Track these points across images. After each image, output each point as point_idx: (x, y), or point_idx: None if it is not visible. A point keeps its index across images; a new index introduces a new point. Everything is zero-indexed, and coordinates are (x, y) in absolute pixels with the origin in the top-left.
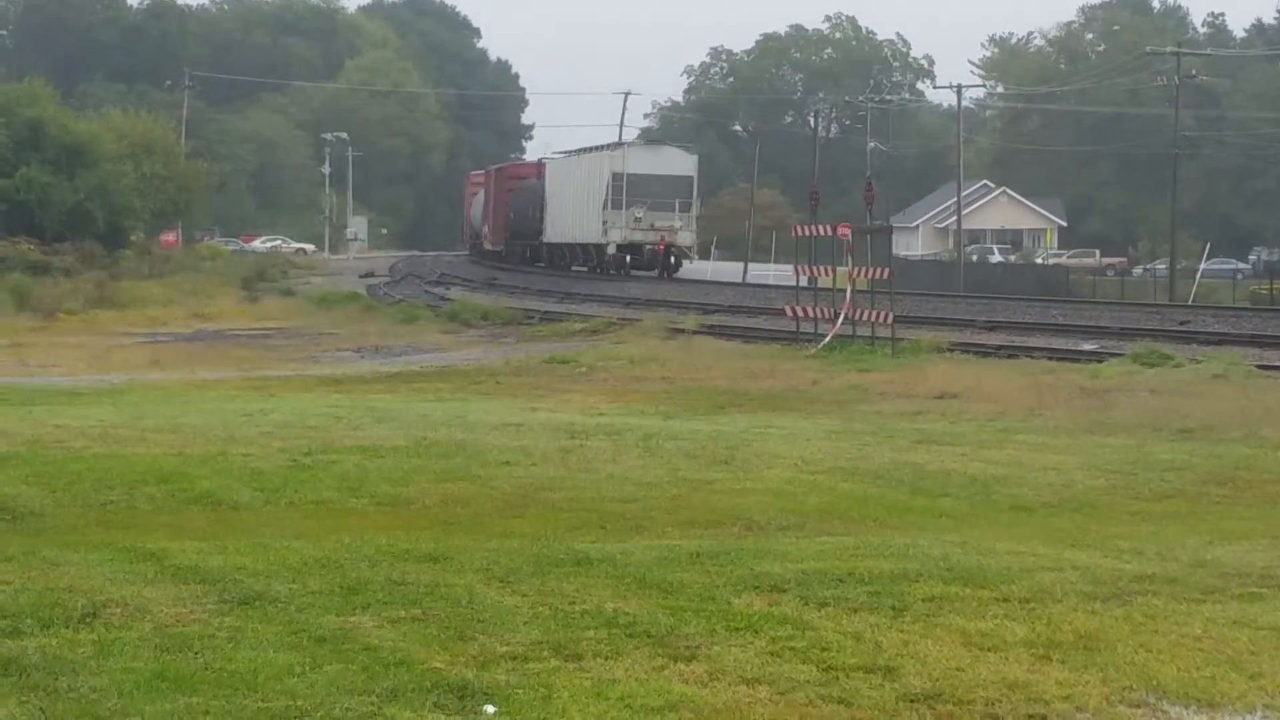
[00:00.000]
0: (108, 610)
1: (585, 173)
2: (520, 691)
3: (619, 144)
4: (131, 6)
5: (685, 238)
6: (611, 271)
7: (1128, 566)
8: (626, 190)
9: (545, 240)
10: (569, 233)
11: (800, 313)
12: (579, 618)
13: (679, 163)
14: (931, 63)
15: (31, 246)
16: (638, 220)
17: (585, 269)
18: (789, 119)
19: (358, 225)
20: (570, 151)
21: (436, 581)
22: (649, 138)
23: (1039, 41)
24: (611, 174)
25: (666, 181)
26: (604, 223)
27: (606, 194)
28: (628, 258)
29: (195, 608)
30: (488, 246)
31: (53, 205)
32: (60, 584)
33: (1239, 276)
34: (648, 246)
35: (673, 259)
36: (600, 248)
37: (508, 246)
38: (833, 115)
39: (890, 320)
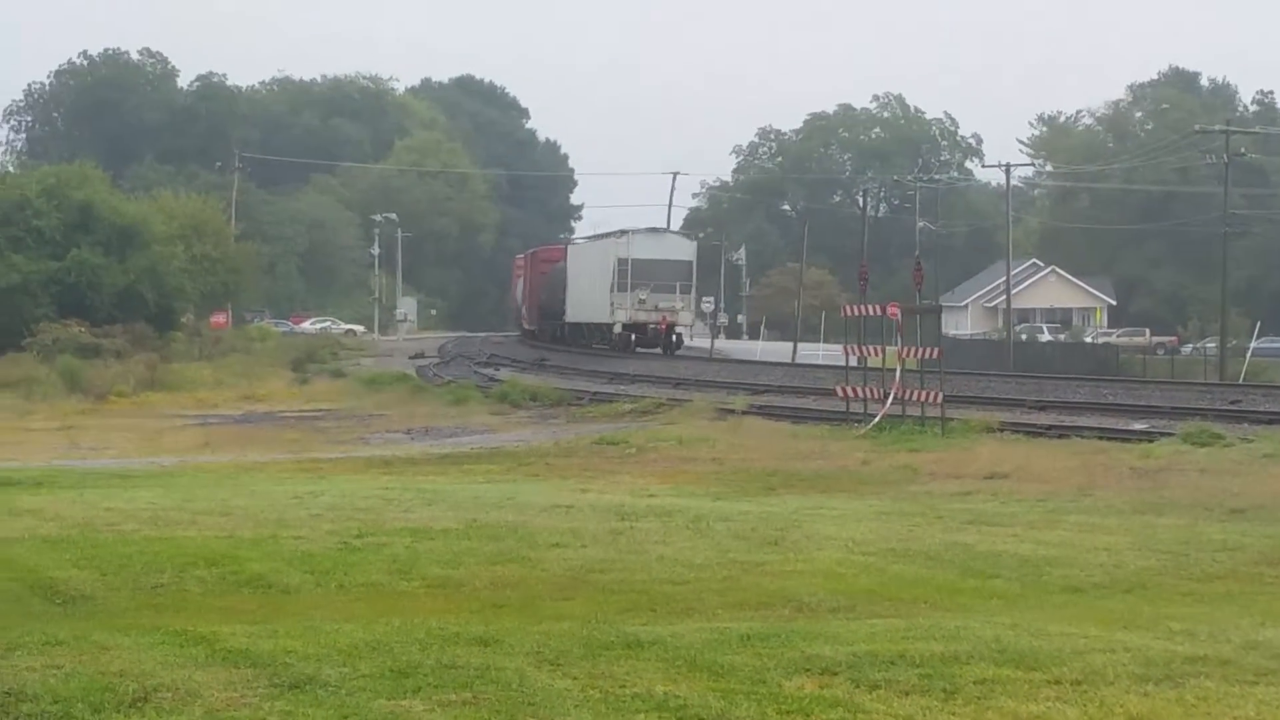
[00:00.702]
0: (159, 695)
1: (597, 257)
2: None
3: (624, 231)
4: (181, 88)
5: (685, 317)
6: (619, 349)
7: (1180, 648)
8: (631, 274)
9: (567, 320)
10: (585, 313)
11: (850, 393)
12: (630, 701)
13: (680, 248)
14: (980, 141)
15: (82, 329)
16: (641, 302)
17: (605, 346)
18: (837, 198)
19: (407, 306)
20: (589, 237)
21: (487, 665)
22: (653, 225)
23: (1087, 120)
24: (617, 259)
25: (668, 266)
26: (611, 304)
27: (613, 277)
28: (632, 336)
29: (246, 692)
30: (526, 326)
31: (103, 287)
32: (111, 668)
33: None
34: (651, 326)
35: (674, 337)
36: (609, 327)
37: (540, 326)
38: (881, 194)
39: (940, 400)
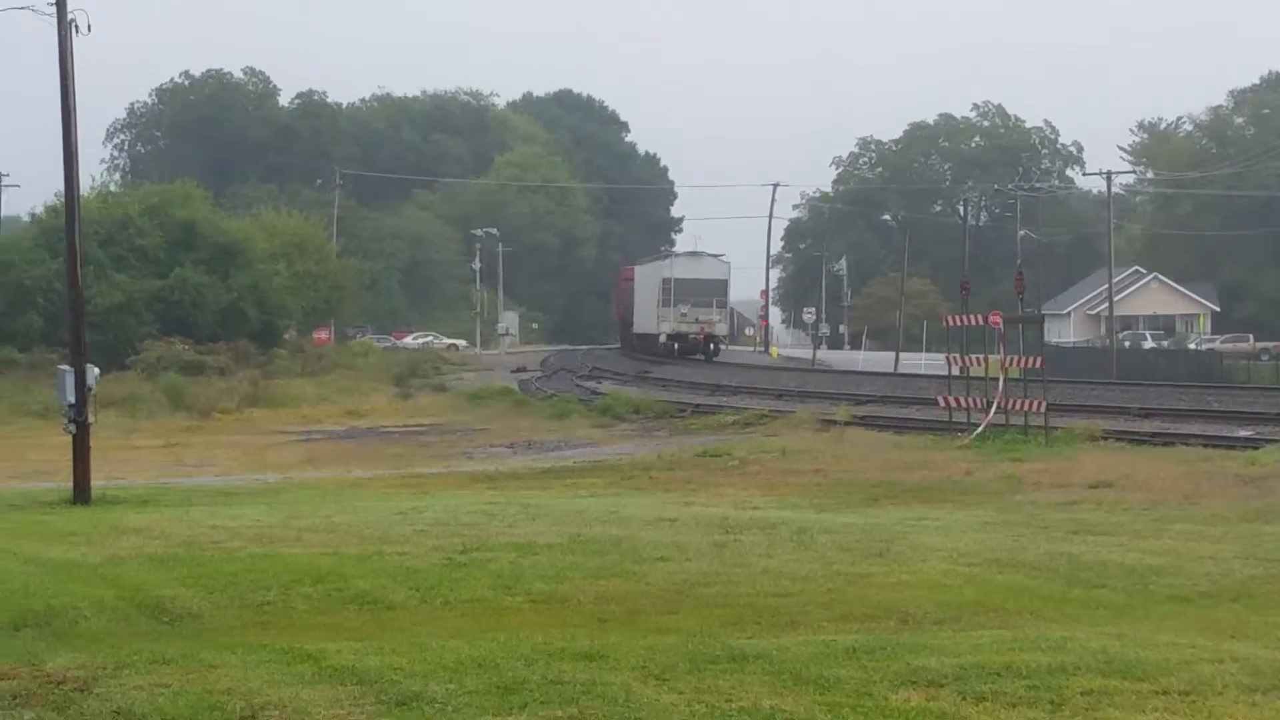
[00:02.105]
0: (266, 713)
1: (651, 277)
2: None
3: (670, 254)
4: (282, 107)
5: (721, 329)
6: (664, 355)
7: None
8: (675, 292)
9: (634, 331)
10: (644, 325)
11: (953, 402)
12: (735, 715)
13: (715, 269)
14: (1080, 149)
15: (186, 346)
16: (683, 315)
17: (659, 355)
18: (938, 208)
19: (509, 320)
20: (647, 259)
21: (593, 680)
22: (694, 248)
23: (1188, 126)
24: (662, 279)
25: (705, 284)
26: (658, 317)
27: (659, 294)
28: (675, 345)
29: (353, 709)
30: (622, 338)
31: (207, 305)
32: (219, 686)
33: None
34: (691, 335)
35: (711, 345)
36: (656, 336)
37: (622, 337)
38: (982, 203)
39: (1043, 409)
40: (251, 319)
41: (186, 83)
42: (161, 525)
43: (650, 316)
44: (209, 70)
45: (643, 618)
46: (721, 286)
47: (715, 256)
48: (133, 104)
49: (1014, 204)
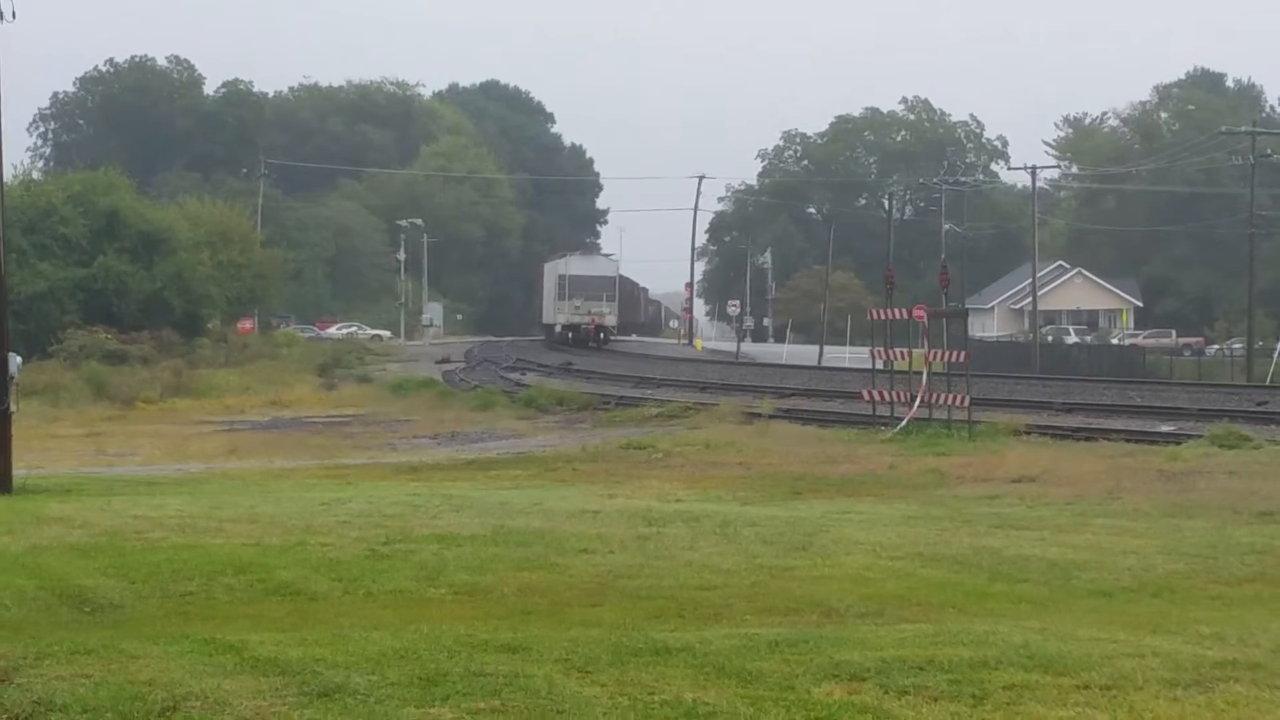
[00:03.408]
0: (188, 704)
1: (551, 273)
2: None
3: (564, 254)
4: (208, 95)
5: (610, 320)
6: (560, 344)
7: (1209, 653)
8: (569, 287)
9: (543, 322)
10: (548, 316)
11: (877, 396)
12: (658, 708)
13: (606, 267)
14: (1005, 144)
15: (109, 335)
16: (576, 308)
17: (555, 343)
18: (863, 201)
19: (433, 311)
20: (553, 257)
21: (515, 672)
22: (586, 248)
23: (1113, 121)
24: (557, 275)
25: (597, 281)
26: (555, 309)
27: (556, 289)
28: (570, 334)
29: (275, 700)
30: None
31: (130, 294)
32: (140, 677)
33: None
34: (583, 325)
35: (601, 335)
36: (554, 326)
37: (540, 327)
38: (907, 197)
39: (967, 403)
40: (175, 308)
41: (111, 70)
42: (83, 515)
43: (551, 309)
44: (133, 57)
45: (566, 610)
46: (611, 283)
47: (606, 256)
48: (56, 93)
49: (939, 198)
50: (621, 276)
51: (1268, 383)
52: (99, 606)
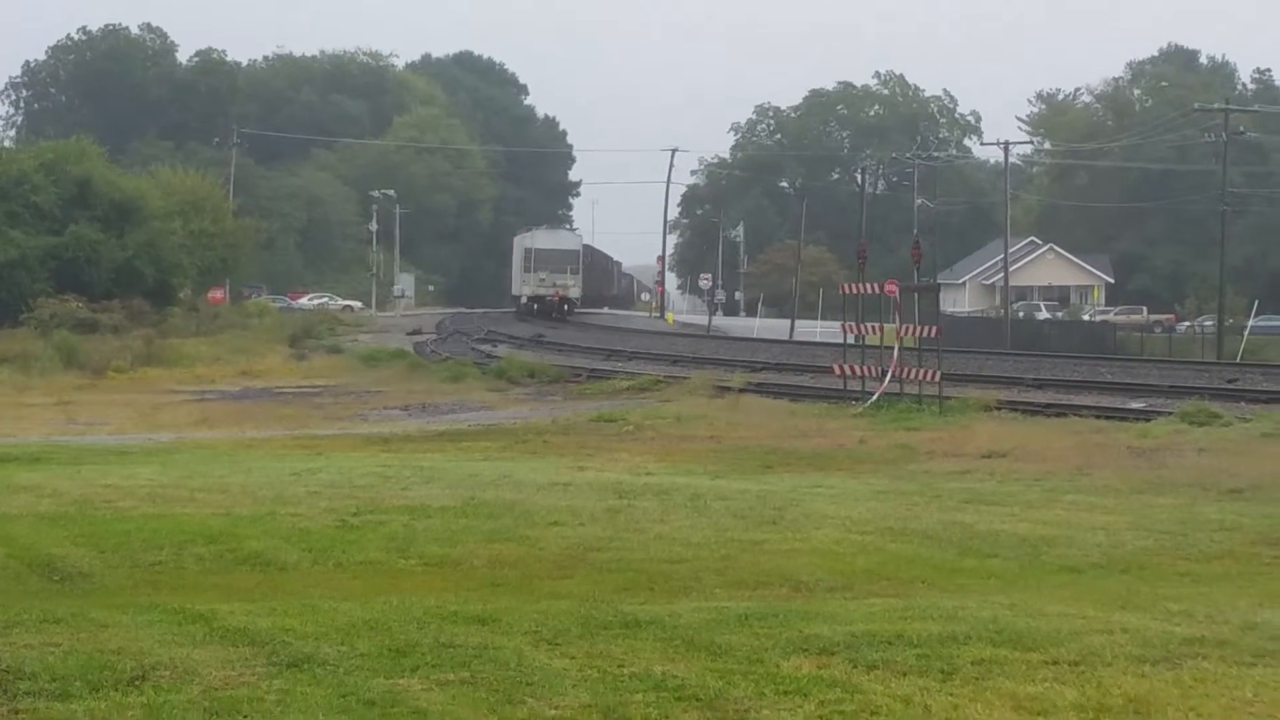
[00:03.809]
0: (156, 673)
1: (519, 247)
2: None
3: (531, 228)
4: (181, 64)
5: (574, 292)
6: (525, 315)
7: (1177, 629)
8: (535, 260)
9: (512, 293)
10: (516, 288)
11: (848, 371)
12: (627, 681)
13: (570, 241)
14: (978, 119)
15: (80, 304)
16: (541, 280)
17: (522, 314)
18: (836, 175)
19: (405, 282)
20: (523, 230)
21: (485, 644)
22: (552, 222)
23: (1086, 98)
24: (524, 249)
25: (561, 254)
26: (522, 281)
27: (523, 262)
28: (535, 305)
29: (244, 670)
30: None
31: (101, 263)
32: (109, 646)
33: None
34: (548, 297)
35: (565, 306)
36: (520, 297)
37: (511, 299)
38: (880, 172)
39: (938, 378)
40: (147, 277)
41: (84, 38)
42: (53, 483)
43: (518, 281)
44: (106, 26)
45: (536, 582)
46: (575, 256)
47: (571, 230)
48: (28, 61)
49: (912, 173)
50: (593, 249)
51: (1238, 360)
52: (68, 575)
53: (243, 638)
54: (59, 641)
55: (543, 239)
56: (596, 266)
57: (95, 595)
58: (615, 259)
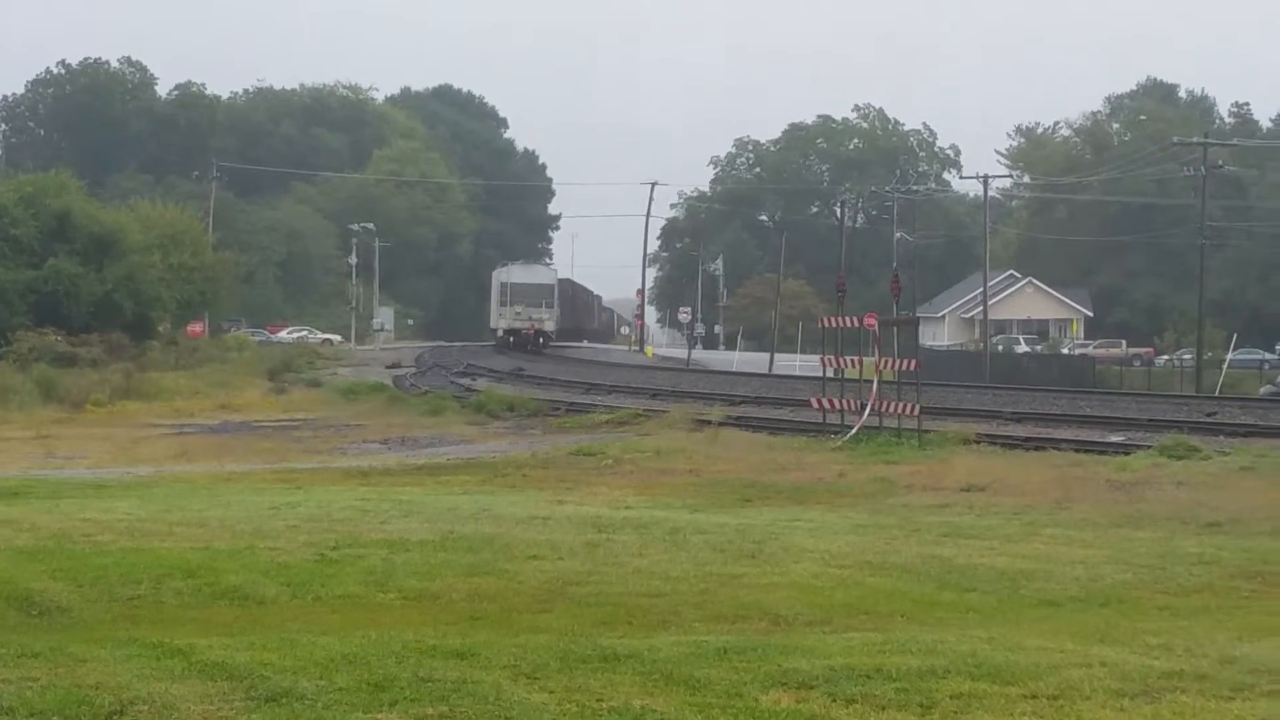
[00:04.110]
0: (135, 708)
1: (495, 282)
2: None
3: (507, 263)
4: (160, 97)
5: (549, 325)
6: (503, 348)
7: (1156, 663)
8: (511, 294)
9: (490, 326)
10: (494, 322)
11: (827, 404)
12: (606, 715)
13: (545, 275)
14: (958, 153)
15: (59, 337)
16: (517, 314)
17: (499, 346)
18: (815, 209)
19: (384, 316)
20: (500, 265)
21: (463, 678)
22: (528, 258)
23: (1065, 131)
24: (500, 283)
25: (536, 289)
26: (499, 315)
27: (499, 296)
28: (510, 338)
29: (222, 705)
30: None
31: (80, 296)
32: (87, 681)
33: (1266, 367)
34: (523, 330)
35: (540, 339)
36: (496, 330)
37: (490, 331)
38: (859, 205)
39: (917, 412)
40: (126, 311)
41: (63, 72)
42: (31, 517)
43: (495, 314)
44: (85, 59)
45: (515, 616)
46: (550, 290)
47: (546, 265)
48: (5, 96)
49: (891, 206)
50: (573, 283)
51: (1217, 393)
52: (46, 609)
53: (221, 672)
54: (37, 676)
55: (518, 274)
56: (578, 301)
57: (73, 629)
58: (596, 293)
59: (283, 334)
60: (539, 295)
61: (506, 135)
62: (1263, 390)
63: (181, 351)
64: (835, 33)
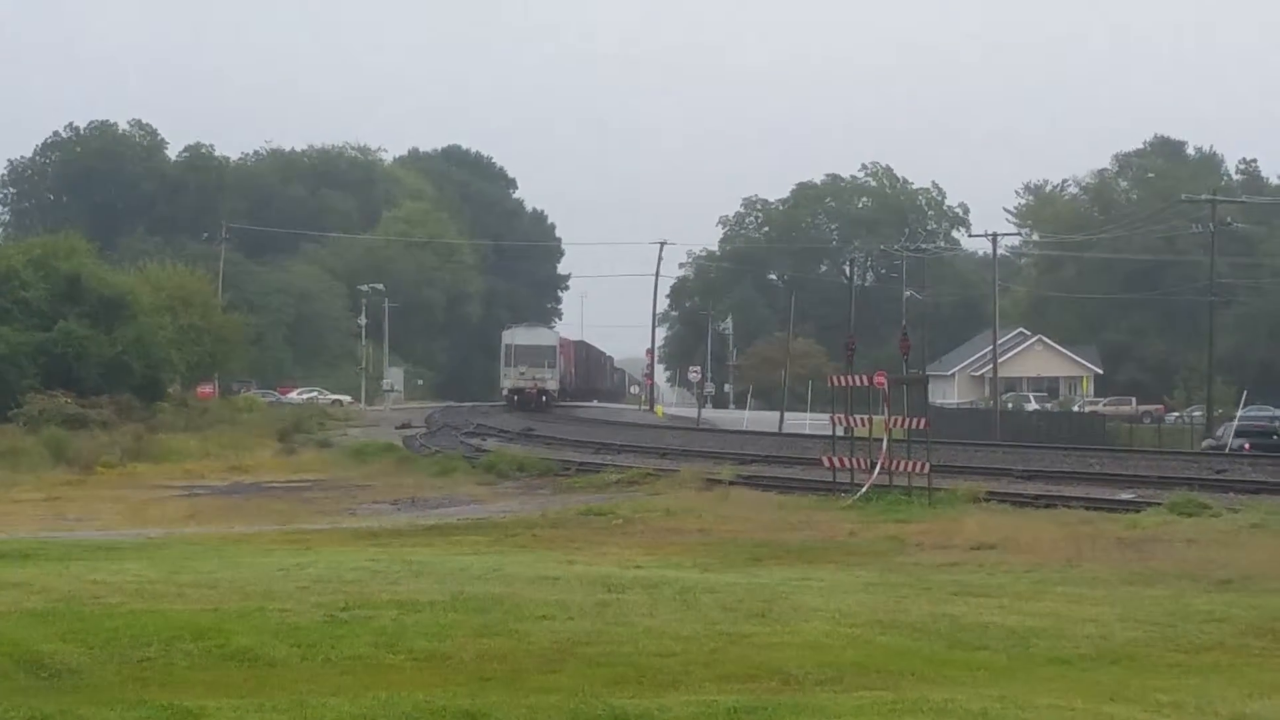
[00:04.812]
0: None
1: (502, 343)
2: None
3: (512, 326)
4: (170, 159)
5: (551, 385)
6: (510, 407)
7: None
8: (515, 356)
9: (501, 385)
10: (502, 381)
11: (837, 463)
12: None
13: (547, 337)
14: (966, 211)
15: (69, 399)
16: (521, 374)
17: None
18: (824, 267)
19: (394, 376)
20: (509, 326)
21: None
22: (531, 320)
23: (1073, 189)
24: (505, 345)
25: (539, 350)
26: (504, 375)
27: (504, 357)
28: (515, 397)
29: None
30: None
31: (90, 358)
32: None
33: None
34: (527, 389)
35: (543, 398)
36: (503, 390)
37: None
38: (868, 264)
39: (927, 470)
40: (135, 372)
41: (72, 135)
42: (41, 579)
43: (502, 374)
44: (93, 122)
45: (524, 676)
46: (552, 351)
47: (548, 327)
48: (13, 160)
49: (900, 264)
50: (586, 345)
51: (1227, 451)
52: (56, 672)
53: None
54: None
55: (521, 336)
56: (591, 361)
57: (83, 692)
58: (608, 354)
59: (293, 395)
60: (541, 356)
61: (515, 195)
62: (1204, 444)
63: (192, 413)
64: (843, 94)
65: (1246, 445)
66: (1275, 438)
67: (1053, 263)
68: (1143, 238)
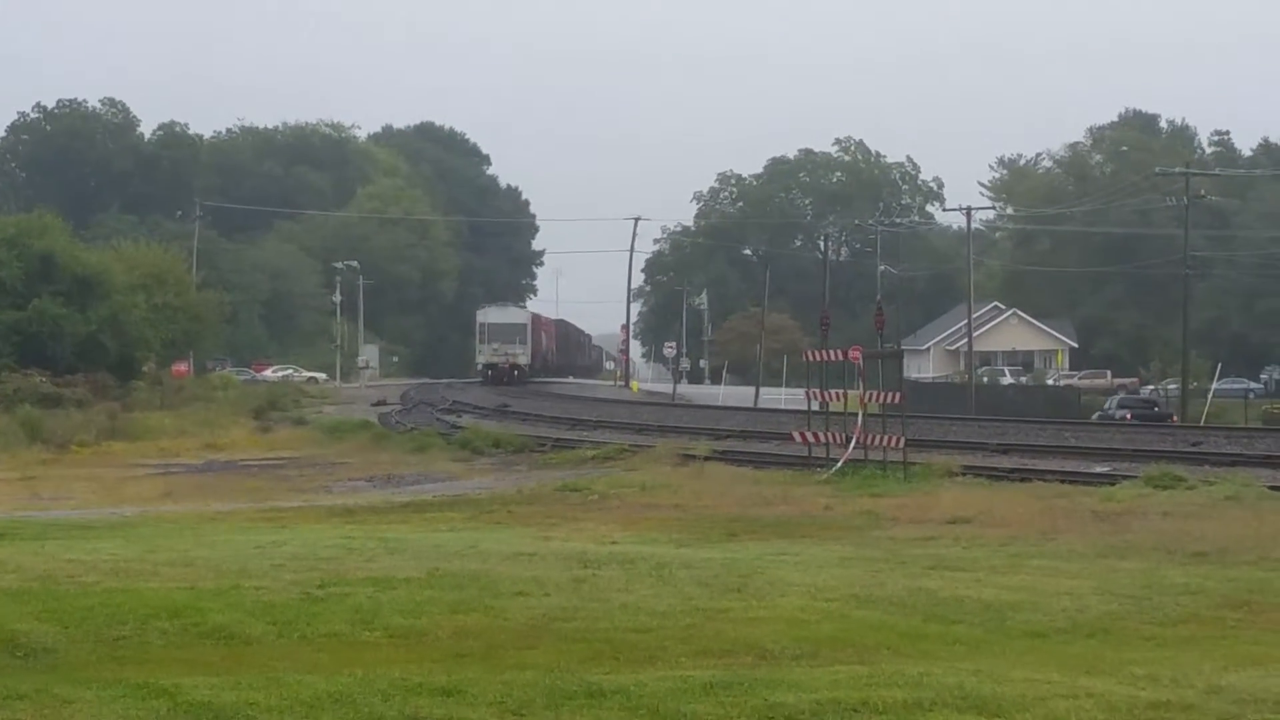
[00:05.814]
0: None
1: (476, 320)
2: None
3: (485, 305)
4: (143, 137)
5: (523, 360)
6: (485, 382)
7: (1143, 693)
8: (488, 333)
9: (476, 361)
10: (478, 358)
11: (812, 438)
12: None
13: (518, 315)
14: (941, 185)
15: (43, 378)
16: (495, 350)
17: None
18: (798, 242)
19: (369, 353)
20: (484, 305)
21: (449, 716)
22: (503, 300)
23: (1047, 163)
24: (480, 323)
25: (511, 327)
26: (478, 351)
27: (479, 334)
28: (489, 372)
29: None
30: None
31: (64, 337)
32: None
33: (1251, 396)
34: (500, 365)
35: (515, 372)
36: (477, 365)
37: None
38: (843, 238)
39: (902, 444)
40: (110, 351)
41: (40, 116)
42: (16, 559)
43: (476, 351)
44: (63, 101)
45: (500, 653)
46: (523, 329)
47: (519, 306)
48: None
49: (874, 239)
50: (565, 323)
51: (1202, 423)
52: (31, 651)
53: (207, 712)
54: (22, 718)
55: (494, 314)
56: (570, 338)
57: (58, 671)
58: (586, 331)
59: (267, 373)
60: (513, 333)
61: (489, 172)
62: (1095, 416)
63: (166, 391)
64: (817, 67)
65: (1128, 415)
66: (1155, 408)
67: (1027, 236)
68: (1117, 211)
